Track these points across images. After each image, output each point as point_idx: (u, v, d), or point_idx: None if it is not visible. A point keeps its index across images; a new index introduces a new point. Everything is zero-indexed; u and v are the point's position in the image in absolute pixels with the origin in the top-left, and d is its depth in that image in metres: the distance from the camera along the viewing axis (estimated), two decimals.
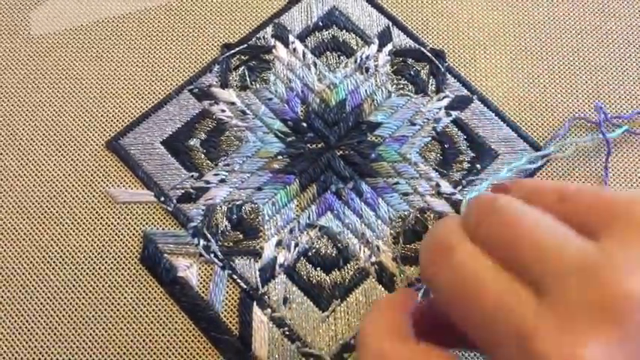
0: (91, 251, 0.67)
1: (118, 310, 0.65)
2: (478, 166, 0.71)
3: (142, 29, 0.77)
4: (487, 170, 0.71)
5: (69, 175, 0.70)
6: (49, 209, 0.68)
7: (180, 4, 0.78)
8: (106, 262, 0.66)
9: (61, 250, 0.67)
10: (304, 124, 0.72)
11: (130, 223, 0.68)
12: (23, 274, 0.66)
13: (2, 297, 0.65)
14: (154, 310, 0.65)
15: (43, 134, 0.72)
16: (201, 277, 0.66)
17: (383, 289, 0.66)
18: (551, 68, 0.77)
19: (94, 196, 0.69)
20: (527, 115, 0.74)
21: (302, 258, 0.67)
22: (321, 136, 0.72)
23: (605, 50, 0.78)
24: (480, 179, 0.71)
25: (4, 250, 0.67)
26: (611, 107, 0.75)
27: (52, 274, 0.66)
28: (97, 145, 0.71)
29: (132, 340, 0.64)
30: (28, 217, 0.68)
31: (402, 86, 0.75)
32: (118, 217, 0.68)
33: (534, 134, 0.73)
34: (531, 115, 0.74)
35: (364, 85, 0.75)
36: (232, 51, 0.76)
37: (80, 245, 0.67)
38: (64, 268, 0.66)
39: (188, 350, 0.64)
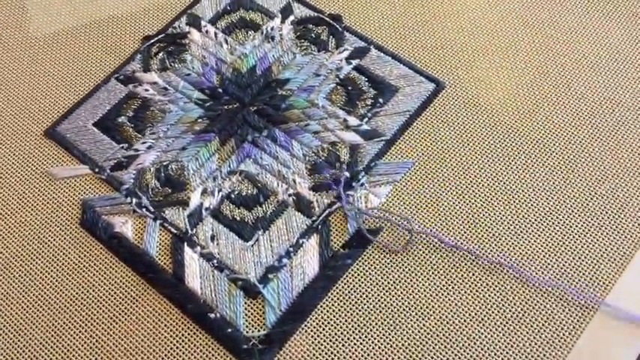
0: (36, 224, 0.73)
1: (63, 269, 0.70)
2: (381, 100, 0.78)
3: (70, 34, 0.87)
4: (390, 102, 0.78)
5: (13, 162, 0.77)
6: None
7: (104, 9, 0.88)
8: (50, 231, 0.73)
9: (9, 226, 0.73)
10: (220, 90, 0.80)
11: (69, 195, 0.75)
12: None
13: None
14: (95, 264, 0.71)
15: None
16: (136, 230, 0.72)
17: (302, 215, 0.71)
18: (438, 13, 0.85)
19: (35, 177, 0.76)
20: (422, 55, 0.82)
21: (226, 200, 0.73)
22: (236, 98, 0.80)
23: None
24: (384, 111, 0.77)
25: None
26: (494, 38, 0.82)
27: (3, 246, 0.72)
28: (36, 134, 0.79)
29: (77, 294, 0.69)
30: None
31: (305, 47, 0.83)
32: (59, 192, 0.75)
33: (429, 69, 0.81)
34: (425, 54, 0.82)
35: (272, 51, 0.83)
36: (152, 41, 0.85)
37: (26, 220, 0.73)
38: (13, 240, 0.72)
39: (129, 293, 0.69)
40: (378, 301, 0.67)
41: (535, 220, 0.70)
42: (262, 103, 0.78)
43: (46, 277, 0.70)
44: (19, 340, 0.66)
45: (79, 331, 0.67)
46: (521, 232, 0.70)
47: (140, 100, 0.80)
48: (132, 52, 0.84)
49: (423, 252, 0.69)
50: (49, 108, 0.81)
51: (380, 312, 0.66)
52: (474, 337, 0.64)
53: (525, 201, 0.71)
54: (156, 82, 0.81)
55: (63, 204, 0.74)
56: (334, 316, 0.66)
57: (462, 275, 0.68)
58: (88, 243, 0.72)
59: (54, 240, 0.72)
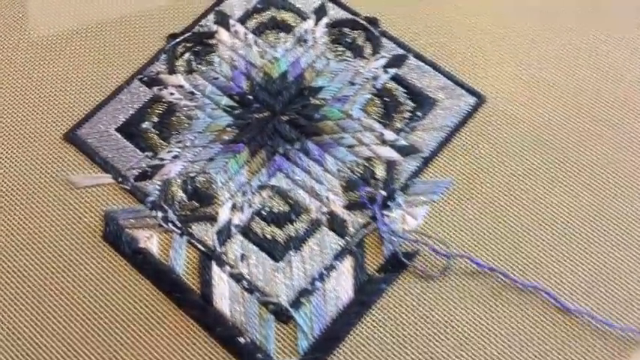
0: (54, 234, 0.70)
1: (82, 284, 0.67)
2: (419, 113, 0.74)
3: (93, 33, 0.82)
4: (428, 116, 0.74)
5: (30, 167, 0.73)
6: (13, 200, 0.72)
7: (126, 4, 0.84)
8: (69, 242, 0.69)
9: (27, 235, 0.70)
10: (250, 97, 0.76)
11: (91, 205, 0.71)
12: None
13: None
14: (118, 281, 0.68)
15: (4, 132, 0.76)
16: (162, 246, 0.69)
17: (335, 235, 0.68)
18: (480, 20, 0.81)
19: (55, 184, 0.73)
20: (462, 65, 0.78)
21: (256, 217, 0.69)
22: (267, 106, 0.76)
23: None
24: (422, 125, 0.74)
25: None
26: (538, 48, 0.78)
27: (19, 256, 0.69)
28: (54, 138, 0.75)
29: (99, 312, 0.66)
30: None
31: (340, 53, 0.79)
32: (79, 201, 0.72)
33: (470, 81, 0.77)
34: (466, 64, 0.78)
35: (304, 56, 0.79)
36: (177, 40, 0.80)
37: (45, 230, 0.70)
38: (31, 251, 0.69)
39: (154, 312, 0.66)
40: (414, 328, 0.64)
41: (578, 246, 0.68)
42: (294, 112, 0.74)
43: (65, 291, 0.67)
44: (36, 358, 0.63)
45: (101, 351, 0.64)
46: (563, 258, 0.67)
47: (165, 104, 0.76)
48: (156, 51, 0.80)
49: (461, 278, 0.66)
50: (69, 110, 0.77)
51: (415, 340, 0.64)
52: None
53: (568, 226, 0.68)
54: (182, 85, 0.77)
55: (84, 214, 0.70)
56: (368, 344, 0.64)
57: (501, 303, 0.65)
58: (110, 257, 0.69)
59: (74, 253, 0.69)
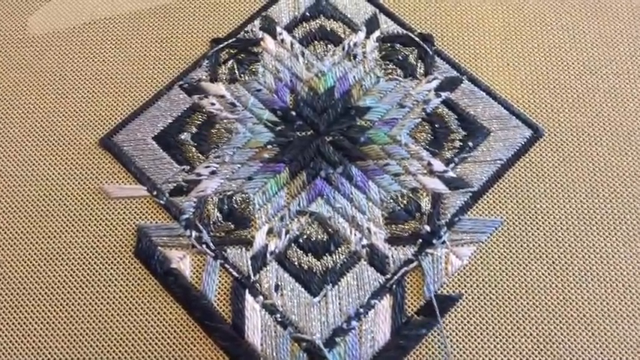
0: (85, 247, 0.68)
1: (112, 303, 0.65)
2: (470, 143, 0.70)
3: (132, 29, 0.79)
4: (480, 147, 0.70)
5: (63, 173, 0.71)
6: (44, 207, 0.69)
7: (169, 3, 0.80)
8: (100, 257, 0.67)
9: (57, 247, 0.68)
10: (293, 113, 0.73)
11: (123, 218, 0.69)
12: (20, 271, 0.67)
13: (0, 293, 0.66)
14: (148, 301, 0.65)
15: (37, 135, 0.73)
16: (194, 268, 0.66)
17: (375, 270, 0.65)
18: (541, 46, 0.76)
19: (88, 192, 0.70)
20: (519, 93, 0.73)
21: (293, 245, 0.67)
22: (310, 124, 0.72)
23: (595, 26, 0.77)
24: (473, 157, 0.70)
25: (1, 248, 0.68)
26: (603, 81, 0.73)
27: (48, 270, 0.67)
28: (90, 143, 0.73)
29: (126, 332, 0.64)
30: (24, 216, 0.69)
31: (390, 71, 0.75)
32: (112, 213, 0.69)
33: (527, 111, 0.72)
34: (523, 93, 0.73)
35: (352, 71, 0.75)
36: (221, 45, 0.77)
37: (75, 241, 0.68)
38: (60, 264, 0.67)
39: (182, 340, 0.64)
40: None
41: (637, 305, 0.63)
42: (339, 133, 0.71)
43: (94, 309, 0.65)
44: None
45: None
46: (616, 319, 0.63)
47: (205, 114, 0.73)
48: (198, 56, 0.76)
49: (505, 329, 0.63)
50: (106, 113, 0.74)
51: None
52: None
53: (624, 280, 0.64)
54: (223, 95, 0.73)
55: (116, 228, 0.68)
56: None
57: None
58: (141, 276, 0.66)
59: (105, 268, 0.67)
